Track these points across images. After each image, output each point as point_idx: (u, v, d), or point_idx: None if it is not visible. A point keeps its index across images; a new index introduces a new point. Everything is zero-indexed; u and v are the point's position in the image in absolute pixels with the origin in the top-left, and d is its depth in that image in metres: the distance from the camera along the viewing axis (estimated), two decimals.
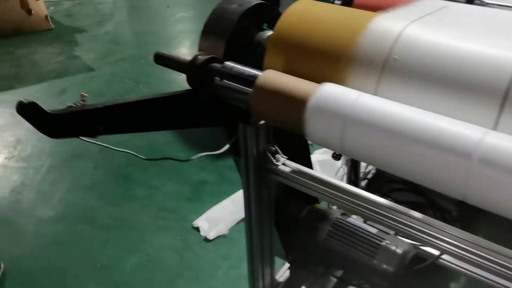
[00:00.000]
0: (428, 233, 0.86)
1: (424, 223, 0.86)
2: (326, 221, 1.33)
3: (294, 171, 1.04)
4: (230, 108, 0.87)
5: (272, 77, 0.75)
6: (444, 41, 0.70)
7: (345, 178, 1.69)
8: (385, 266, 1.27)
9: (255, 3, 0.92)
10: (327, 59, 0.76)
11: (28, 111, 0.60)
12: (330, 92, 0.69)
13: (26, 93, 2.86)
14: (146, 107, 0.78)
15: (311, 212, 1.40)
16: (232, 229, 1.85)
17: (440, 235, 0.85)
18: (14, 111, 0.59)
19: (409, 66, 0.71)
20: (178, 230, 1.86)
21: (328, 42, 0.77)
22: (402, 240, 1.32)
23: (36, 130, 0.62)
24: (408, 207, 1.79)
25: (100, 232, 1.85)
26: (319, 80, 0.75)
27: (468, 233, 0.80)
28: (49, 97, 2.84)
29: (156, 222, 1.89)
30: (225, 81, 0.80)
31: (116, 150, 2.22)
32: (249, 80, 0.77)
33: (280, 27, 0.82)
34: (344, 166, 1.66)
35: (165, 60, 0.90)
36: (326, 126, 0.68)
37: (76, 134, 0.67)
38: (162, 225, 1.88)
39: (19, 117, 0.60)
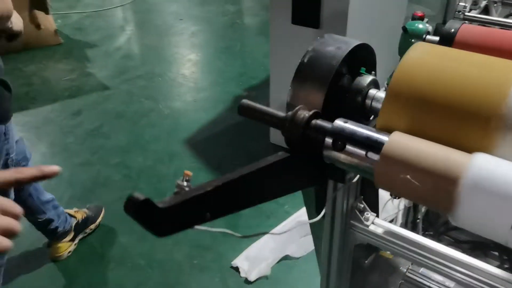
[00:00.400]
0: None
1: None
2: (395, 272, 1.19)
3: (387, 232, 0.91)
4: (323, 166, 0.74)
5: (404, 142, 0.62)
6: None
7: (399, 222, 1.56)
8: None
9: (356, 44, 0.80)
10: (471, 120, 0.63)
11: (140, 209, 0.47)
12: (492, 166, 0.56)
13: (40, 115, 2.72)
14: (253, 180, 0.65)
15: (378, 261, 1.26)
16: (274, 269, 1.71)
17: None
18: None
19: None
20: (216, 270, 1.72)
21: (471, 98, 0.64)
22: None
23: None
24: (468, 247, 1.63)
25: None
26: (456, 146, 0.63)
27: None
28: (65, 118, 2.69)
29: (191, 261, 1.76)
30: (340, 144, 0.67)
31: None
32: (372, 146, 0.65)
33: (400, 75, 0.69)
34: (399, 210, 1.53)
35: (253, 112, 0.77)
36: (489, 209, 0.55)
37: (183, 228, 0.54)
38: (198, 264, 1.74)
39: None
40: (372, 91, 0.80)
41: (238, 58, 3.35)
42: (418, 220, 1.59)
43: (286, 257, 1.76)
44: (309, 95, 0.77)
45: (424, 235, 1.50)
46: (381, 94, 0.80)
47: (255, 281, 1.67)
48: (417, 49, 0.73)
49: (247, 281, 1.67)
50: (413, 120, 0.68)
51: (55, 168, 0.57)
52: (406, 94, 0.68)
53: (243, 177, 0.63)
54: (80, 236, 1.90)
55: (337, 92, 0.78)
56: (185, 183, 0.57)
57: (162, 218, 0.50)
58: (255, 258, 1.72)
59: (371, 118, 0.88)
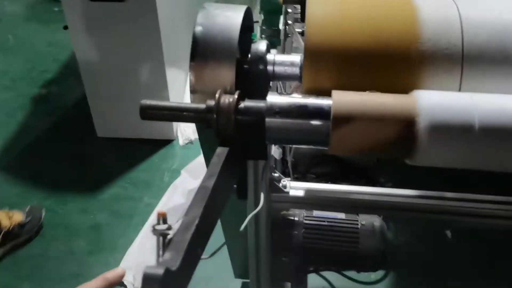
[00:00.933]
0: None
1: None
2: (295, 225, 1.22)
3: (308, 191, 0.91)
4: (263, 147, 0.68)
5: (350, 100, 0.59)
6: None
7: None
8: (373, 247, 1.25)
9: (244, 9, 0.72)
10: (394, 64, 0.64)
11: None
12: (439, 102, 0.58)
13: None
14: (216, 193, 0.55)
15: (279, 222, 1.28)
16: None
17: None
18: None
19: (486, 50, 0.64)
20: None
21: (386, 41, 0.64)
22: (368, 216, 1.31)
23: None
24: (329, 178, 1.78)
25: None
26: (389, 90, 0.63)
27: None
28: None
29: None
30: (283, 120, 0.61)
31: None
32: (320, 113, 0.60)
33: (313, 32, 0.65)
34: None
35: (160, 113, 0.65)
36: (449, 143, 0.57)
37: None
38: None
39: None
40: (271, 56, 0.75)
41: (17, 54, 2.87)
42: (287, 169, 1.66)
43: None
44: (217, 75, 0.68)
45: (294, 178, 1.55)
46: (281, 57, 0.75)
47: None
48: (314, 2, 0.70)
49: None
50: (340, 75, 0.65)
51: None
52: (325, 51, 0.65)
53: (211, 197, 0.52)
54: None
55: (240, 66, 0.71)
56: (164, 226, 0.44)
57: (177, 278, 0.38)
58: (136, 265, 1.56)
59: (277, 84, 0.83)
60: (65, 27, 2.12)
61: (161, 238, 0.44)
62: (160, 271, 0.35)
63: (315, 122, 0.60)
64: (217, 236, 1.31)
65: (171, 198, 1.76)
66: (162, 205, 1.76)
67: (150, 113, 0.65)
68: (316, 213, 1.24)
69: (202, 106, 0.63)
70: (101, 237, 1.72)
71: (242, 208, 0.99)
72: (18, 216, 1.68)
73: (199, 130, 0.77)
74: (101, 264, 1.61)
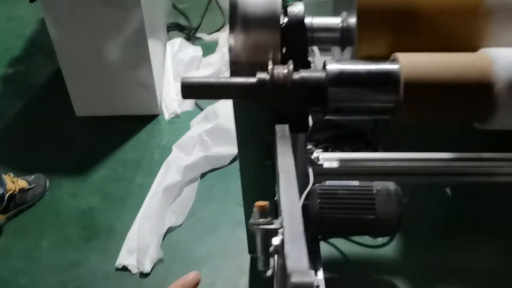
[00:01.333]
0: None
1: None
2: (310, 195, 1.19)
3: (342, 161, 0.86)
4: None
5: (418, 63, 0.54)
6: None
7: None
8: (391, 212, 1.23)
9: None
10: (457, 20, 0.58)
11: None
12: None
13: None
14: None
15: None
16: (164, 247, 1.53)
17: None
18: None
19: None
20: (99, 279, 1.45)
21: None
22: (382, 182, 1.29)
23: None
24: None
25: None
26: (452, 47, 0.58)
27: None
28: None
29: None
30: (347, 89, 0.55)
31: None
32: (387, 79, 0.55)
33: None
34: None
35: (205, 90, 0.58)
36: None
37: None
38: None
39: None
40: (308, 20, 0.68)
41: None
42: None
43: (169, 230, 1.59)
44: (260, 44, 0.61)
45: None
46: (320, 20, 0.69)
47: (152, 269, 1.47)
48: None
49: (143, 274, 1.46)
50: (399, 36, 0.60)
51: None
52: (380, 10, 0.59)
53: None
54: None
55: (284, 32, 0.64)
56: (262, 220, 0.38)
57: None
58: (138, 248, 1.50)
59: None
60: (31, 0, 1.95)
61: (259, 234, 0.38)
62: (309, 278, 0.29)
63: (381, 89, 0.55)
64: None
65: (166, 176, 1.69)
66: (157, 184, 1.68)
67: (193, 92, 0.58)
68: (329, 182, 1.20)
69: (252, 80, 0.57)
70: (96, 222, 1.64)
71: (268, 184, 0.94)
72: (22, 182, 1.66)
73: (236, 105, 0.70)
74: (100, 250, 1.54)
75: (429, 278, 1.43)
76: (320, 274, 1.27)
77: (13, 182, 1.63)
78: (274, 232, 0.38)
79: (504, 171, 1.00)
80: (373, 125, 1.67)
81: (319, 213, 1.21)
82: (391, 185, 1.28)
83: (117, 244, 1.55)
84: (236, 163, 1.84)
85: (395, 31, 0.60)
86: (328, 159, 0.86)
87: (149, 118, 2.04)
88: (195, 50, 2.30)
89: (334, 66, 0.55)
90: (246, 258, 1.50)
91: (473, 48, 0.58)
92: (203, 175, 1.79)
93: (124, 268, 1.48)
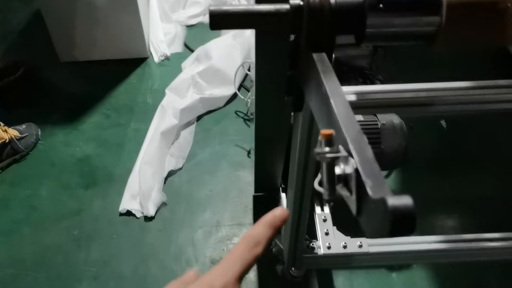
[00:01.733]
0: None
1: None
2: None
3: (361, 94, 0.85)
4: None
5: None
6: None
7: None
8: (396, 145, 1.24)
9: None
10: None
11: None
12: None
13: None
14: None
15: None
16: (166, 190, 1.53)
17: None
18: None
19: None
20: (106, 224, 1.45)
21: None
22: (386, 115, 1.29)
23: None
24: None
25: None
26: None
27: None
28: None
29: (70, 232, 1.43)
30: (387, 14, 0.52)
31: None
32: (430, 2, 0.52)
33: None
34: None
35: (236, 19, 0.54)
36: None
37: None
38: (79, 236, 1.44)
39: None
40: None
41: None
42: None
43: (170, 174, 1.58)
44: None
45: None
46: None
47: (156, 213, 1.48)
48: None
49: (148, 218, 1.47)
50: None
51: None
52: None
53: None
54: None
55: None
56: (327, 149, 0.37)
57: None
58: (141, 193, 1.49)
59: None
60: None
61: (326, 163, 0.37)
62: (408, 201, 0.29)
63: (423, 12, 0.53)
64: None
65: (162, 120, 1.66)
66: (154, 128, 1.65)
67: (223, 21, 0.54)
68: None
69: (285, 7, 0.53)
70: (94, 169, 1.62)
71: (284, 121, 0.93)
72: (13, 131, 1.63)
73: (259, 37, 0.67)
74: (102, 197, 1.53)
75: (427, 207, 1.47)
76: (326, 209, 1.29)
77: (5, 131, 1.59)
78: (343, 161, 0.36)
79: (500, 98, 0.99)
80: (370, 60, 1.64)
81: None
82: (395, 118, 1.29)
83: (118, 190, 1.54)
84: (232, 105, 1.82)
85: None
86: (345, 92, 0.84)
87: (138, 61, 1.98)
88: None
89: None
90: (249, 198, 1.52)
91: None
92: (199, 118, 1.77)
93: (128, 213, 1.48)
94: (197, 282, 0.38)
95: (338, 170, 0.38)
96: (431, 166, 1.60)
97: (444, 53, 1.85)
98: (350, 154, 0.36)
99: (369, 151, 0.36)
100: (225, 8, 0.54)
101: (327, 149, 0.37)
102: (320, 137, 0.38)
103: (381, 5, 0.52)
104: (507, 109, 0.98)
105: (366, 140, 0.37)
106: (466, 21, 0.52)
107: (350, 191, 0.36)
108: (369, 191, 0.32)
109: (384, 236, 0.30)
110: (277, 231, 0.41)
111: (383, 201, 0.29)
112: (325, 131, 0.37)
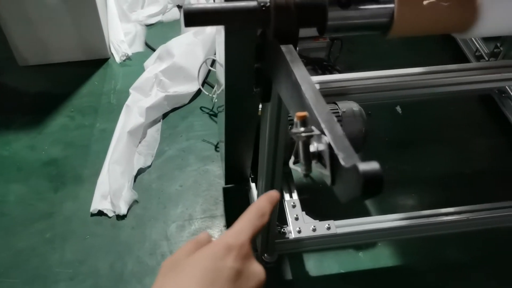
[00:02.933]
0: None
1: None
2: None
3: (324, 83, 0.91)
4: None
5: None
6: None
7: None
8: (357, 131, 1.31)
9: None
10: None
11: None
12: None
13: None
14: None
15: None
16: (137, 188, 1.55)
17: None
18: None
19: None
20: (79, 224, 1.46)
21: None
22: (346, 103, 1.36)
23: None
24: None
25: None
26: None
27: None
28: None
29: (43, 234, 1.43)
30: (347, 8, 0.58)
31: None
32: None
33: None
34: None
35: (209, 17, 0.59)
36: (509, 8, 0.59)
37: None
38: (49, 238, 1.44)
39: None
40: None
41: None
42: None
43: (139, 172, 1.60)
44: None
45: None
46: None
47: (128, 211, 1.50)
48: None
49: (120, 216, 1.48)
50: None
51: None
52: None
53: None
54: None
55: None
56: (302, 129, 0.42)
57: None
58: (111, 192, 1.50)
59: None
60: None
61: (302, 142, 0.42)
62: (376, 165, 0.34)
63: (378, 6, 0.59)
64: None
65: (128, 119, 1.67)
66: (120, 128, 1.66)
67: (196, 19, 0.58)
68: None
69: (253, 3, 0.58)
70: (62, 171, 1.61)
71: (252, 112, 0.98)
72: None
73: (228, 33, 0.71)
74: (72, 198, 1.53)
75: (387, 188, 1.55)
76: (295, 195, 1.35)
77: None
78: (316, 139, 0.42)
79: (449, 81, 1.08)
80: (328, 52, 1.71)
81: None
82: (355, 106, 1.36)
83: (88, 191, 1.54)
84: (197, 101, 1.85)
85: None
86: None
87: (99, 62, 1.98)
88: None
89: None
90: (219, 190, 1.56)
91: None
92: (165, 115, 1.79)
93: (100, 213, 1.49)
94: (214, 243, 0.42)
95: (312, 148, 0.43)
96: (389, 149, 1.69)
97: (396, 40, 1.95)
98: (323, 132, 0.41)
99: (339, 129, 0.41)
100: (198, 6, 0.58)
101: (302, 129, 0.42)
102: (295, 119, 0.43)
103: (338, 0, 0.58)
104: (456, 91, 1.07)
105: (335, 119, 0.43)
106: (415, 12, 0.58)
107: (324, 165, 0.42)
108: (342, 162, 0.37)
109: (358, 198, 0.35)
110: (273, 210, 0.46)
111: (355, 168, 0.34)
112: (300, 113, 0.42)
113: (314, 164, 0.43)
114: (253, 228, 0.43)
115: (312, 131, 0.42)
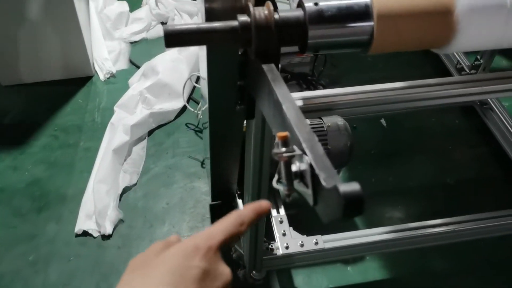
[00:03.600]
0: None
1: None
2: None
3: (308, 99, 0.91)
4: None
5: None
6: None
7: None
8: (342, 145, 1.32)
9: None
10: None
11: None
12: None
13: None
14: None
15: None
16: (123, 207, 1.53)
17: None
18: None
19: None
20: (60, 247, 1.43)
21: None
22: (330, 117, 1.37)
23: None
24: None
25: None
26: None
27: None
28: None
29: (26, 257, 1.40)
30: (326, 26, 0.58)
31: None
32: (361, 11, 0.59)
33: None
34: None
35: (189, 37, 0.59)
36: (485, 23, 0.60)
37: None
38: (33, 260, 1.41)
39: None
40: None
41: None
42: None
43: (125, 190, 1.59)
44: None
45: None
46: None
47: (114, 230, 1.47)
48: None
49: (105, 236, 1.46)
50: None
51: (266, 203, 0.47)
52: None
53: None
54: None
55: None
56: (283, 149, 0.42)
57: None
58: (96, 212, 1.48)
59: None
60: None
61: (283, 162, 0.42)
62: (356, 186, 0.34)
63: (357, 24, 0.59)
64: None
65: (113, 137, 1.66)
66: (105, 146, 1.65)
67: (177, 39, 0.58)
68: None
69: (234, 23, 0.58)
70: (45, 191, 1.59)
71: (237, 129, 0.98)
72: None
73: (210, 52, 0.71)
74: (56, 219, 1.51)
75: (374, 201, 1.56)
76: (282, 211, 1.35)
77: None
78: (298, 159, 0.41)
79: (430, 95, 1.09)
80: (312, 67, 1.73)
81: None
82: (339, 120, 1.37)
83: (72, 211, 1.52)
84: (182, 117, 1.85)
85: None
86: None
87: (83, 80, 1.96)
88: (121, 5, 2.20)
89: (311, 4, 0.58)
90: (206, 207, 1.55)
91: None
92: (150, 132, 1.78)
93: (85, 233, 1.47)
94: (183, 242, 0.42)
95: (294, 167, 0.43)
96: (376, 161, 1.70)
97: (379, 55, 1.97)
98: (304, 152, 0.41)
99: (320, 148, 0.41)
100: (178, 27, 0.58)
101: (283, 149, 0.42)
102: (276, 139, 0.42)
103: (319, 17, 0.58)
104: (437, 104, 1.08)
105: (317, 139, 0.43)
106: (394, 29, 0.59)
107: (306, 185, 0.41)
108: (323, 182, 0.37)
109: (339, 219, 0.35)
110: (258, 220, 0.46)
111: (335, 189, 0.34)
112: (281, 134, 0.42)
113: (297, 184, 0.43)
114: (226, 234, 0.43)
115: (293, 151, 0.42)
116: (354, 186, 0.34)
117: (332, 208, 0.35)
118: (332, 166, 0.39)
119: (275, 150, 0.42)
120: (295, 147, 0.42)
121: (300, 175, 0.42)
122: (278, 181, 0.45)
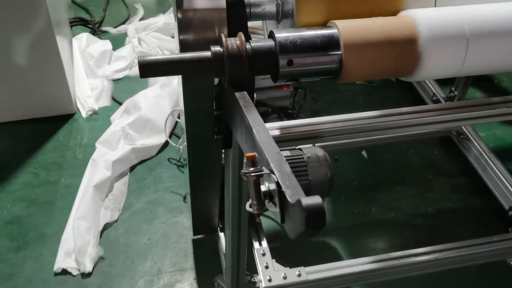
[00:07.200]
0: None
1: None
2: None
3: (285, 128, 0.93)
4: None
5: (353, 27, 0.62)
6: None
7: None
8: (323, 176, 1.33)
9: None
10: None
11: None
12: (434, 16, 0.63)
13: None
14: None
15: None
16: (103, 244, 1.51)
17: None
18: None
19: None
20: (39, 282, 1.40)
21: None
22: (310, 148, 1.39)
23: None
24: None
25: None
26: (378, 13, 0.66)
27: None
28: None
29: None
30: (296, 55, 0.61)
31: None
32: (330, 42, 0.61)
33: None
34: None
35: (164, 68, 0.60)
36: (448, 51, 0.63)
37: None
38: None
39: None
40: None
41: None
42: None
43: (106, 227, 1.56)
44: (207, 21, 0.65)
45: None
46: None
47: (94, 268, 1.44)
48: None
49: (85, 274, 1.43)
50: (331, 5, 0.67)
51: None
52: None
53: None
54: None
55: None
56: (251, 169, 0.43)
57: None
58: (76, 249, 1.45)
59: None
60: None
61: (252, 181, 0.43)
62: (318, 199, 0.35)
63: (326, 53, 0.62)
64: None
65: (94, 173, 1.65)
66: (86, 183, 1.64)
67: (151, 70, 0.60)
68: None
69: (207, 54, 0.60)
70: (24, 230, 1.56)
71: (215, 160, 0.98)
72: None
73: (185, 82, 0.73)
74: (35, 258, 1.47)
75: (357, 233, 1.56)
76: (264, 243, 1.34)
77: None
78: (266, 178, 0.42)
79: (404, 123, 1.11)
80: (292, 100, 1.76)
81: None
82: (319, 151, 1.38)
83: (52, 249, 1.49)
84: (164, 152, 1.85)
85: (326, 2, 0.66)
86: (271, 128, 0.92)
87: (65, 117, 1.97)
88: (104, 44, 2.24)
89: (282, 35, 0.61)
90: (188, 242, 1.53)
91: (393, 11, 0.66)
92: (132, 168, 1.77)
93: (64, 272, 1.43)
94: None
95: (263, 188, 0.44)
96: (358, 193, 1.71)
97: (358, 88, 2.02)
98: (272, 172, 0.42)
99: (286, 167, 0.42)
100: (152, 57, 0.60)
101: (251, 169, 0.43)
102: (245, 160, 0.43)
103: (290, 47, 0.61)
104: (413, 133, 1.11)
105: (284, 158, 0.44)
106: (361, 58, 0.61)
107: (275, 204, 0.42)
108: (288, 198, 0.38)
109: (303, 234, 0.36)
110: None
111: (299, 203, 0.35)
112: (249, 154, 0.43)
113: (267, 204, 0.44)
114: None
115: (261, 170, 0.43)
116: (315, 199, 0.35)
117: (297, 222, 0.36)
118: (298, 184, 0.40)
119: (244, 170, 0.43)
120: (263, 167, 0.43)
121: (269, 194, 0.43)
122: (250, 205, 0.46)
